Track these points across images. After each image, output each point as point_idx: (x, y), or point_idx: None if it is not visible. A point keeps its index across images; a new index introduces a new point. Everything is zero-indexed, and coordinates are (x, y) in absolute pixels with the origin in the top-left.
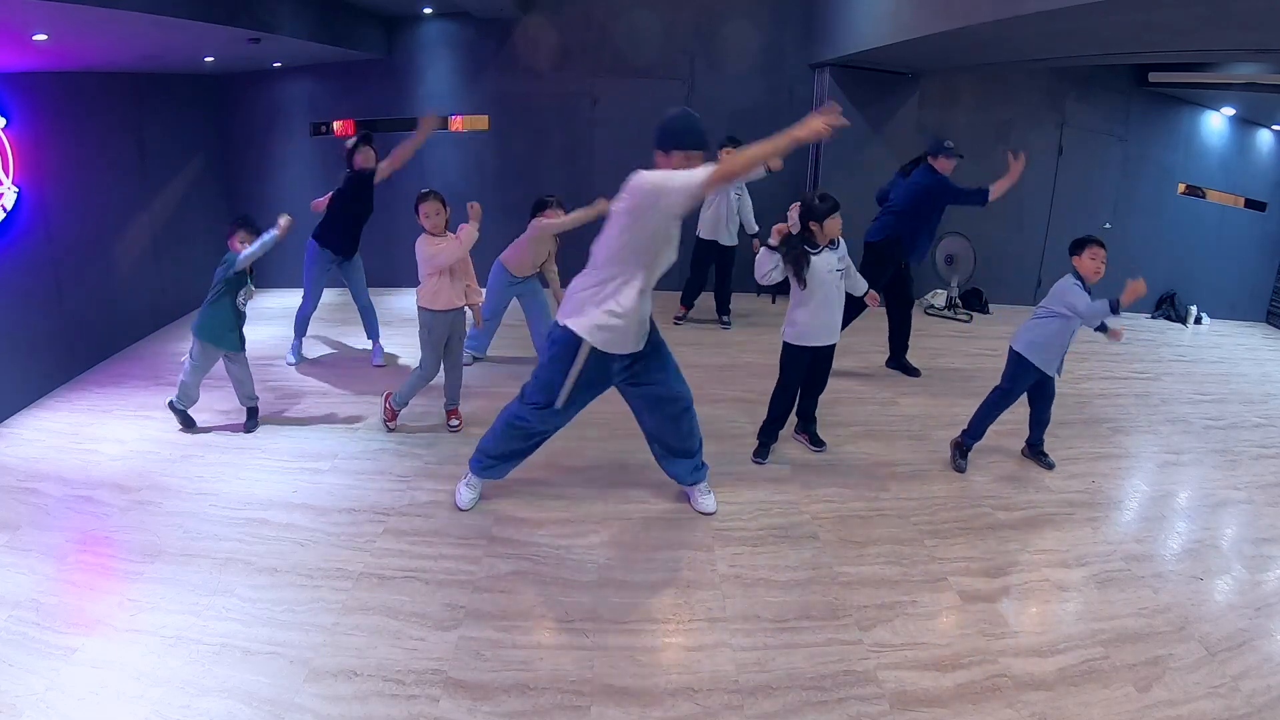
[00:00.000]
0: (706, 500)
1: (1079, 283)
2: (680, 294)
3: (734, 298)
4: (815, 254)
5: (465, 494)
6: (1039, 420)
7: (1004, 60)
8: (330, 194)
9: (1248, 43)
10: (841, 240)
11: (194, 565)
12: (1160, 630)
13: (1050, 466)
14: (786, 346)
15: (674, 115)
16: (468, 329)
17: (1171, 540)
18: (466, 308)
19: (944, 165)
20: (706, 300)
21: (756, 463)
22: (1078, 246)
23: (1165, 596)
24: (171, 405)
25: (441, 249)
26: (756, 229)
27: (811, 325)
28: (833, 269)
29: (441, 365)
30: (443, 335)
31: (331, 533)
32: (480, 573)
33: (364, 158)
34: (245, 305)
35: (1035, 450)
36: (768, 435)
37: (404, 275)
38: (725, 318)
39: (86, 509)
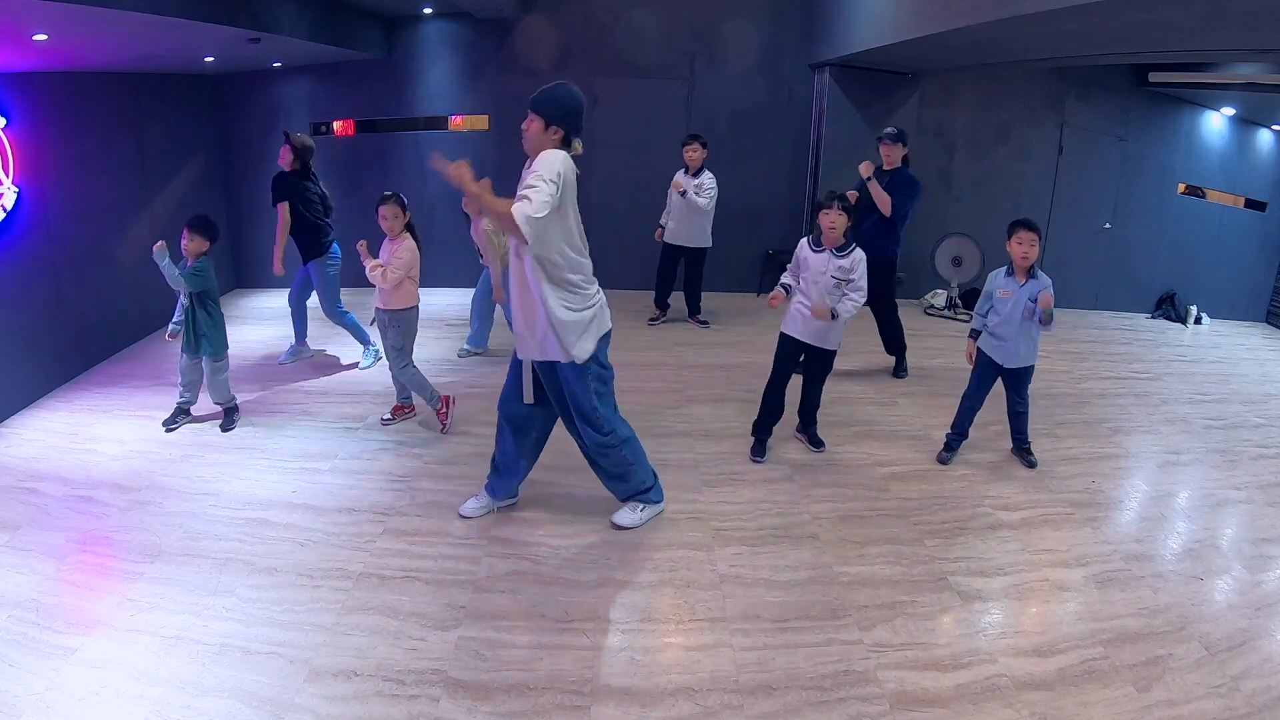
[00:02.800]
0: (619, 514)
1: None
2: (654, 295)
3: (733, 298)
4: (815, 250)
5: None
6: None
7: (1004, 60)
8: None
9: (1248, 43)
10: (855, 255)
11: (194, 565)
12: (1160, 630)
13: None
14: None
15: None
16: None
17: (1171, 540)
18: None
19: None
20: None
21: (755, 461)
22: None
23: (1165, 596)
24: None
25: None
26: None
27: (790, 313)
28: (826, 272)
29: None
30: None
31: (331, 533)
32: (480, 573)
33: (282, 157)
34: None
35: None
36: (760, 430)
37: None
38: (699, 317)
39: (86, 509)
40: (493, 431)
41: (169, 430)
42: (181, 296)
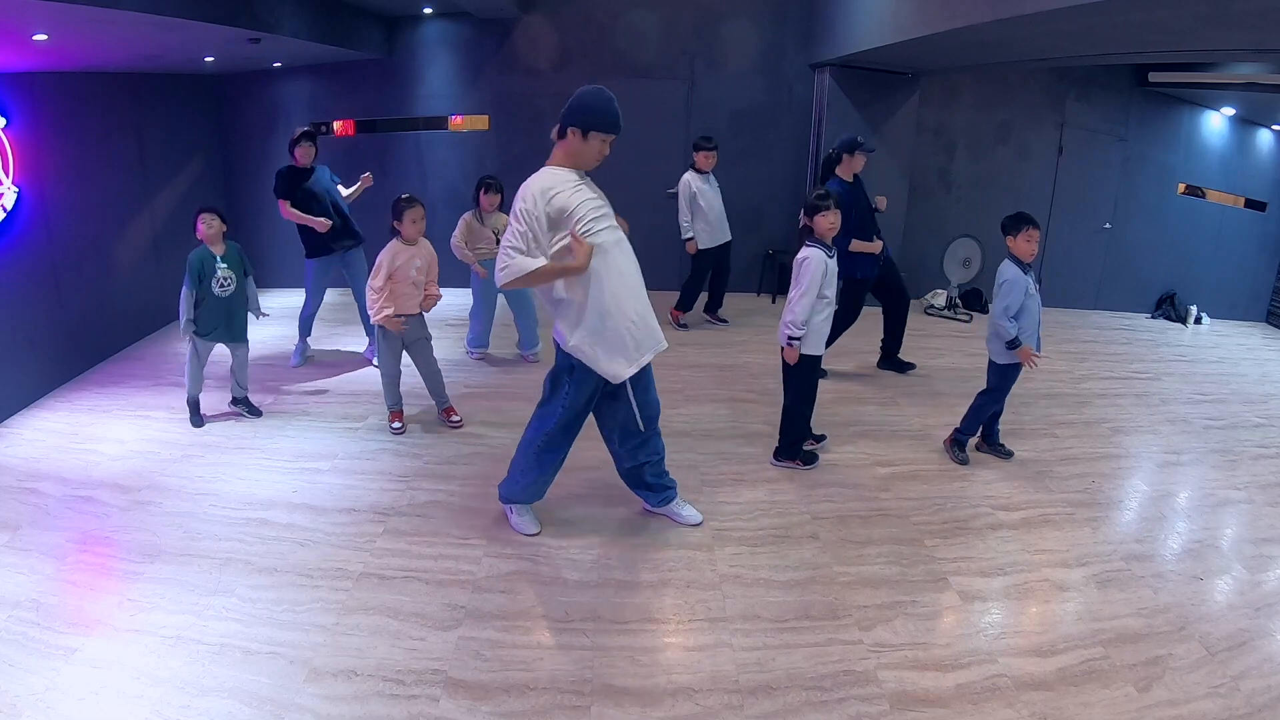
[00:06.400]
0: (687, 513)
1: (1017, 267)
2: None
3: (733, 297)
4: (830, 256)
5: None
6: (996, 413)
7: (1004, 60)
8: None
9: (1248, 43)
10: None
11: (194, 565)
12: (1160, 630)
13: (1008, 456)
14: (806, 358)
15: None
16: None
17: (1171, 540)
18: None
19: (856, 164)
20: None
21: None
22: (1013, 226)
23: (1165, 596)
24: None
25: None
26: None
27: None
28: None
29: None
30: (395, 341)
31: (331, 533)
32: (480, 573)
33: (303, 153)
34: (224, 290)
35: (992, 443)
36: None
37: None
38: (718, 313)
39: (86, 509)
40: (492, 432)
41: (196, 427)
42: (217, 287)
